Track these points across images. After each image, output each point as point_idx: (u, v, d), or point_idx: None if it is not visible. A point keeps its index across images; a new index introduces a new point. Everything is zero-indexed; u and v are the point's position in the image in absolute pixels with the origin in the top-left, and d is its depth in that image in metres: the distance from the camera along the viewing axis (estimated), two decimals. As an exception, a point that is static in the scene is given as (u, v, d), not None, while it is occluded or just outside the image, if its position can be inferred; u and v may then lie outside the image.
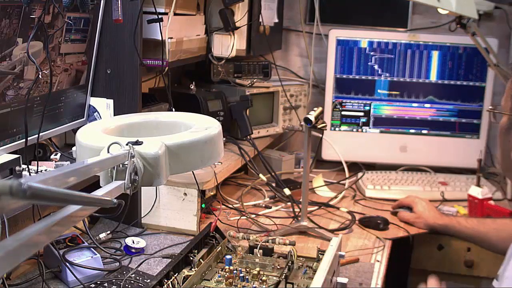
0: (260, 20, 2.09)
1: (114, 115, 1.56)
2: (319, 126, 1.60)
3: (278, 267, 1.25)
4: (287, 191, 1.84)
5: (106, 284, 1.30)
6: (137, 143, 0.84)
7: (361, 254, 1.55)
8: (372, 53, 2.24)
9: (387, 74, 2.24)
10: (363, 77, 2.26)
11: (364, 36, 2.25)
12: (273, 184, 1.94)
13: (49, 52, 1.30)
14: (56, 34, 1.36)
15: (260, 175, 1.89)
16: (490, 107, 1.23)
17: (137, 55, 1.50)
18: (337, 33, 2.25)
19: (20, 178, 0.47)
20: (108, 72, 1.55)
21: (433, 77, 2.24)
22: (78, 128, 1.02)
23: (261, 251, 1.29)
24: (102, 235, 1.52)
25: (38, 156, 1.37)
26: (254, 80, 2.13)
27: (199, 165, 0.95)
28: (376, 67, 2.24)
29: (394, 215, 1.86)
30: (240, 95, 2.03)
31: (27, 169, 1.28)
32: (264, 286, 1.18)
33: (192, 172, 1.53)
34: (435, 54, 2.22)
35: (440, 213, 1.82)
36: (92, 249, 1.39)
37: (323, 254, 1.22)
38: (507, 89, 1.15)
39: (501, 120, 1.16)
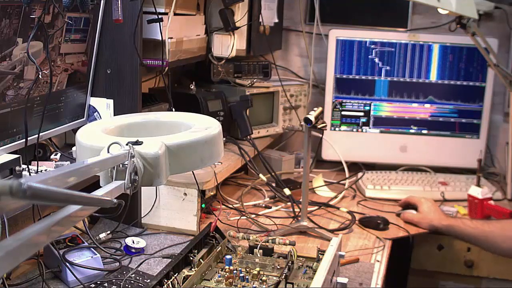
0: (260, 20, 2.09)
1: (114, 115, 1.56)
2: (319, 126, 1.60)
3: (278, 267, 1.24)
4: (287, 191, 1.84)
5: (106, 284, 1.30)
6: (137, 143, 0.84)
7: (361, 254, 1.55)
8: (372, 46, 2.24)
9: (388, 68, 2.24)
10: (363, 77, 2.26)
11: (364, 36, 2.25)
12: (273, 184, 1.94)
13: (49, 52, 1.30)
14: (56, 34, 1.36)
15: (260, 175, 1.89)
16: None
17: (137, 55, 1.50)
18: (337, 33, 2.25)
19: (20, 178, 0.46)
20: (108, 72, 1.55)
21: (433, 77, 2.24)
22: (78, 128, 1.02)
23: (261, 251, 1.29)
24: (102, 235, 1.52)
25: (38, 156, 1.37)
26: (254, 80, 2.13)
27: (199, 165, 0.95)
28: (376, 60, 2.24)
29: (398, 216, 1.85)
30: (240, 95, 2.03)
31: (27, 169, 1.28)
32: (264, 286, 1.18)
33: (192, 172, 1.53)
34: (435, 55, 2.22)
35: (445, 214, 1.80)
36: (92, 249, 1.39)
37: (323, 254, 1.22)
38: None
39: None
